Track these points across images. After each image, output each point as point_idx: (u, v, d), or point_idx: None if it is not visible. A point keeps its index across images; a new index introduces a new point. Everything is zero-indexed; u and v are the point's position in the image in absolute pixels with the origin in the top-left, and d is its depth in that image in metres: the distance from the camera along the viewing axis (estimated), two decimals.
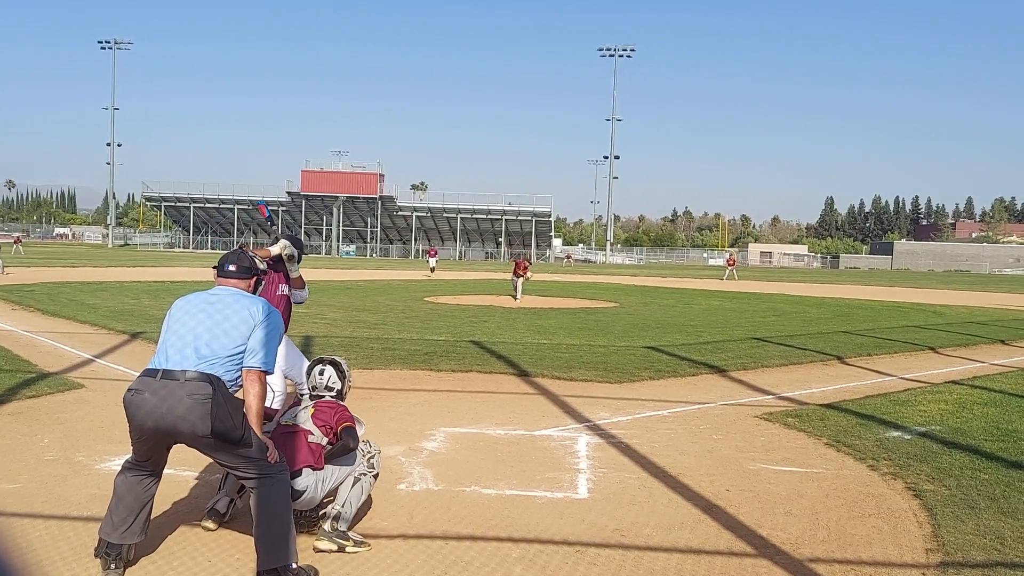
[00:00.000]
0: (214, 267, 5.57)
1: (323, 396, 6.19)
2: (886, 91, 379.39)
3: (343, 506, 5.73)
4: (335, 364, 6.34)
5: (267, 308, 5.35)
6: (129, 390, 5.02)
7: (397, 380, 12.23)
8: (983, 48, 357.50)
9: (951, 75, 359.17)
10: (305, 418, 5.91)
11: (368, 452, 6.07)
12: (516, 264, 32.65)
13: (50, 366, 12.42)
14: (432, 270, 55.11)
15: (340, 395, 6.27)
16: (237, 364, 5.13)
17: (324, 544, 5.60)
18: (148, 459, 5.17)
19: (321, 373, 6.26)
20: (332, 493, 5.87)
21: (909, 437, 9.02)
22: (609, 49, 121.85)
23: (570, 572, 5.37)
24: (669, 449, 8.54)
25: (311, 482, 5.69)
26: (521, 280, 31.73)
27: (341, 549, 5.59)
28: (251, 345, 5.16)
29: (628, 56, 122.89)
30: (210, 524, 5.93)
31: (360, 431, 6.04)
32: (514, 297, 31.19)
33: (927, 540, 5.98)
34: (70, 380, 11.20)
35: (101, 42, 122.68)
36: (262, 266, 5.72)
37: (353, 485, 5.84)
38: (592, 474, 7.61)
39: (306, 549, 5.57)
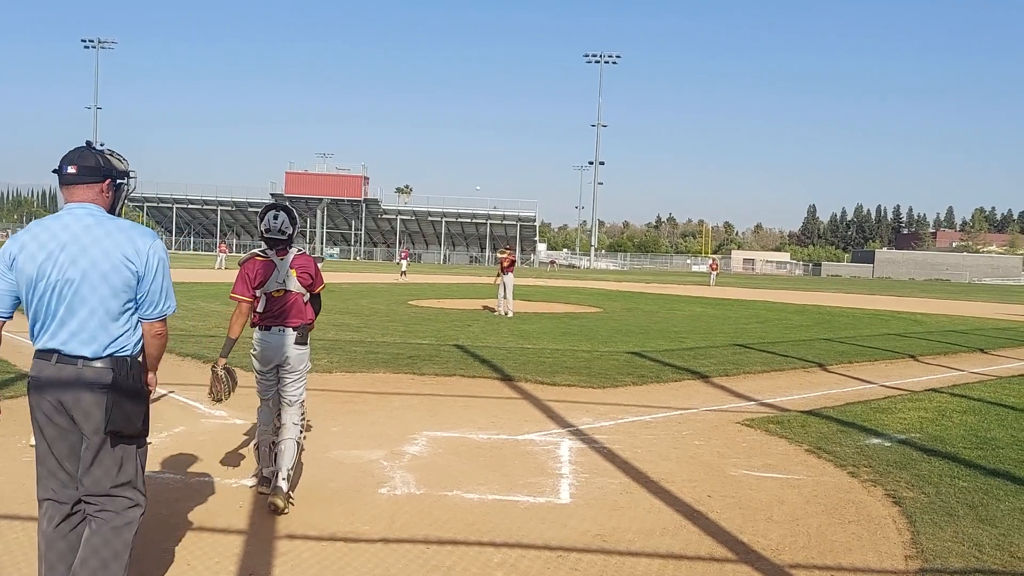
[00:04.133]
0: (54, 171, 4.29)
1: (277, 239, 6.82)
2: (869, 100, 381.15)
3: (291, 468, 6.59)
4: (287, 210, 6.95)
5: (145, 244, 4.24)
6: (29, 381, 4.29)
7: (380, 383, 12.21)
8: (965, 58, 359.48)
9: (933, 85, 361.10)
10: (295, 285, 6.77)
11: (302, 414, 6.97)
12: (502, 259, 26.16)
13: (29, 366, 12.32)
14: (404, 273, 53.64)
15: (291, 240, 6.93)
16: (131, 319, 4.26)
17: (282, 503, 6.35)
18: (57, 479, 4.26)
19: (275, 218, 6.82)
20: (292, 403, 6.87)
21: (889, 444, 9.07)
22: (595, 55, 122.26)
23: None
24: (651, 454, 8.56)
25: (308, 350, 6.94)
26: (507, 281, 25.57)
27: (289, 503, 6.43)
28: (144, 295, 4.24)
29: (613, 63, 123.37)
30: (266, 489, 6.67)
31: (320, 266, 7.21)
32: (495, 307, 26.52)
33: (906, 547, 6.02)
34: None
35: (84, 41, 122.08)
36: (121, 166, 4.44)
37: (298, 450, 6.79)
38: (574, 479, 7.63)
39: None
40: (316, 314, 7.07)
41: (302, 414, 6.92)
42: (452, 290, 40.60)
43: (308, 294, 6.87)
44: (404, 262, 55.83)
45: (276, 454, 6.66)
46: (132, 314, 4.27)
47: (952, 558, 5.76)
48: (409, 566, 5.46)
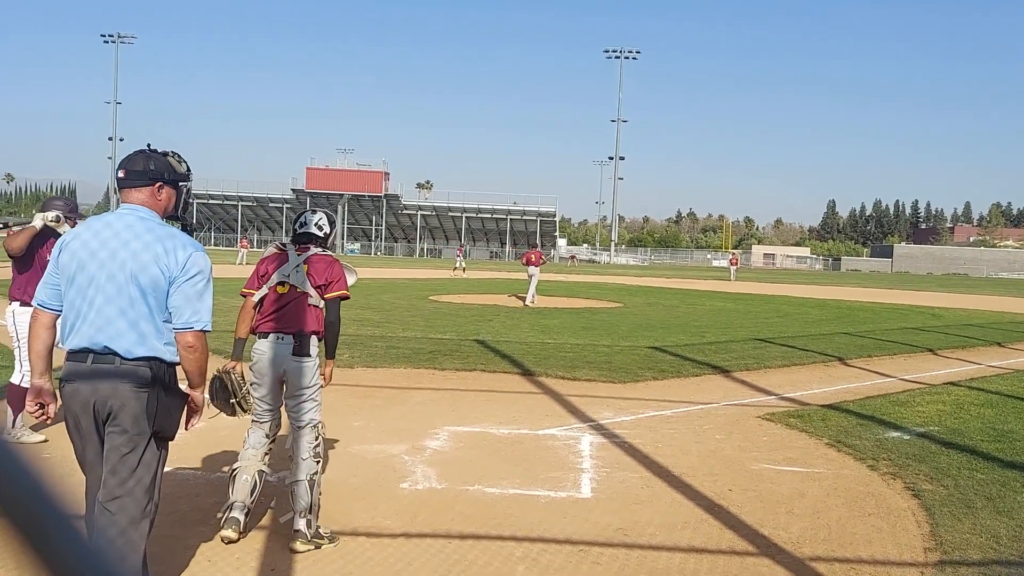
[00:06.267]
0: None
1: (312, 235, 6.24)
2: (887, 98, 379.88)
3: (311, 510, 5.75)
4: (326, 212, 6.45)
5: (183, 254, 4.24)
6: (62, 380, 4.23)
7: (401, 378, 12.28)
8: (982, 57, 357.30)
9: (950, 83, 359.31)
10: (301, 279, 5.99)
11: (316, 442, 5.97)
12: (528, 254, 29.70)
13: None
14: (463, 269, 54.92)
15: (325, 242, 6.32)
16: (166, 323, 4.26)
17: (301, 546, 5.63)
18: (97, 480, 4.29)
19: (313, 213, 6.36)
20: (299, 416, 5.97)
21: (908, 437, 9.07)
22: (615, 50, 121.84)
23: (573, 571, 5.42)
24: (672, 449, 8.59)
25: (312, 364, 5.93)
26: (536, 275, 28.93)
27: (318, 547, 5.67)
28: (174, 302, 4.22)
29: (634, 58, 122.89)
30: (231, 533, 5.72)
31: (352, 280, 6.37)
32: (524, 298, 28.92)
33: (925, 539, 6.04)
34: None
35: (104, 35, 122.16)
36: (180, 168, 4.49)
37: (312, 489, 5.81)
38: (595, 473, 7.67)
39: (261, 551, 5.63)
40: (331, 326, 6.14)
41: (316, 441, 5.99)
42: (473, 285, 40.57)
43: (320, 300, 6.04)
44: (460, 258, 56.59)
45: (290, 494, 5.87)
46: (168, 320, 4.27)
47: (970, 550, 5.78)
48: (431, 560, 5.51)
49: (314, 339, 5.99)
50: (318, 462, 5.95)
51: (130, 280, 4.14)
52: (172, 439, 4.41)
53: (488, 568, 5.42)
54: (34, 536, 0.74)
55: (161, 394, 4.21)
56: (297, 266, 6.04)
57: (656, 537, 6.08)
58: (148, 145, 4.49)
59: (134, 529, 4.17)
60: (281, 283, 6.01)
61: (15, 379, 8.07)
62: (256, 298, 6.03)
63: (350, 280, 6.33)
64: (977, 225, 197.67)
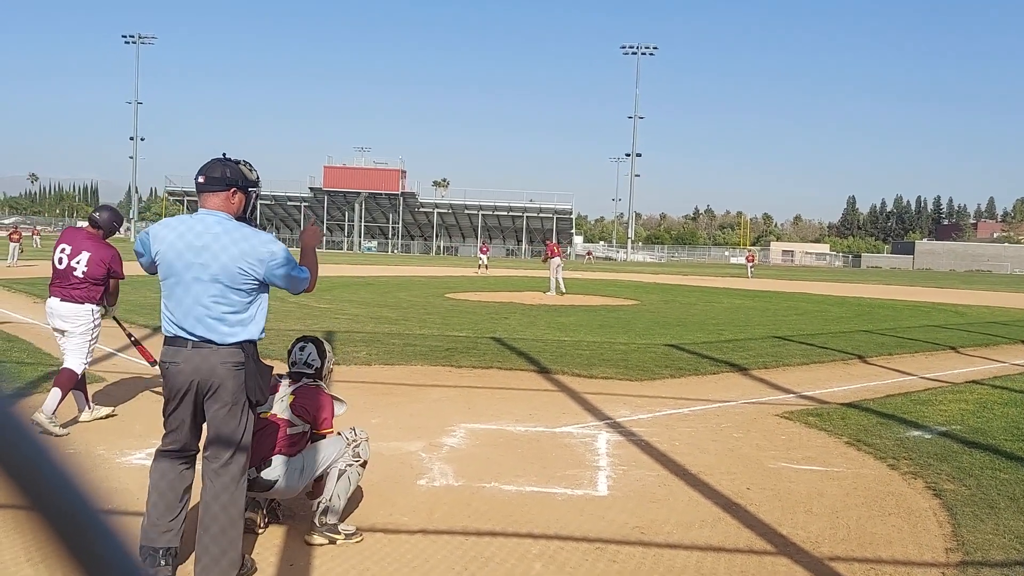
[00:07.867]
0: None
1: (303, 372, 6.12)
2: (909, 93, 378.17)
3: (330, 500, 5.73)
4: (316, 342, 6.30)
5: (266, 249, 4.82)
6: (163, 362, 4.86)
7: (417, 376, 12.27)
8: (1005, 52, 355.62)
9: (973, 78, 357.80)
10: (283, 408, 5.83)
11: (354, 440, 5.97)
12: (548, 248, 32.44)
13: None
14: (485, 267, 55.65)
15: (319, 374, 6.21)
16: (257, 310, 4.90)
17: (316, 539, 5.65)
18: (180, 437, 4.92)
19: (302, 350, 6.19)
20: (316, 480, 5.82)
21: (930, 436, 9.00)
22: (632, 47, 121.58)
23: (589, 569, 5.40)
24: (689, 447, 8.55)
25: (282, 472, 5.65)
26: (558, 266, 31.60)
27: (332, 542, 5.65)
28: (278, 284, 4.88)
29: (651, 54, 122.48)
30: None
31: (340, 411, 6.14)
32: (556, 290, 31.31)
33: (947, 539, 5.98)
34: (91, 373, 11.11)
35: (125, 36, 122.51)
36: (251, 175, 5.06)
37: (339, 479, 5.79)
38: (612, 471, 7.63)
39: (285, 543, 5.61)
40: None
41: (356, 442, 5.99)
42: (489, 283, 40.59)
43: (304, 425, 5.85)
44: (484, 256, 57.00)
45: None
46: (256, 306, 4.90)
47: (993, 550, 5.72)
48: (448, 557, 5.50)
49: (278, 459, 5.68)
50: (355, 458, 5.94)
51: (215, 278, 4.72)
52: (264, 403, 5.10)
53: (505, 565, 5.40)
54: (64, 530, 0.75)
55: (252, 369, 4.86)
56: (283, 397, 5.90)
57: (673, 535, 6.04)
58: (224, 154, 5.05)
59: (232, 485, 4.86)
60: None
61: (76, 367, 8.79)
62: None
63: (339, 410, 6.11)
64: (1001, 221, 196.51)
